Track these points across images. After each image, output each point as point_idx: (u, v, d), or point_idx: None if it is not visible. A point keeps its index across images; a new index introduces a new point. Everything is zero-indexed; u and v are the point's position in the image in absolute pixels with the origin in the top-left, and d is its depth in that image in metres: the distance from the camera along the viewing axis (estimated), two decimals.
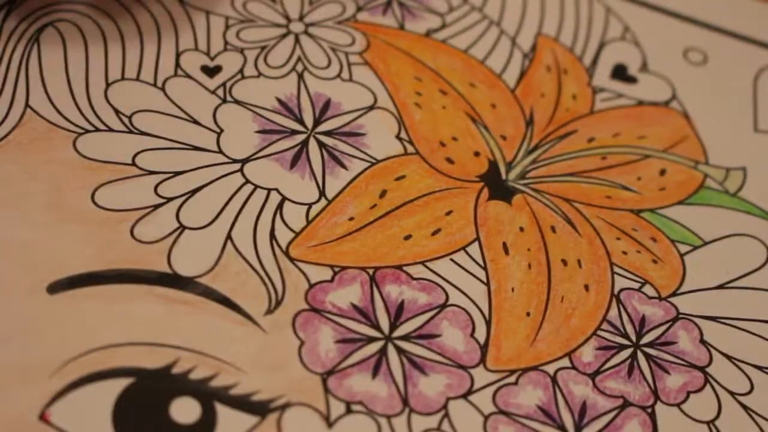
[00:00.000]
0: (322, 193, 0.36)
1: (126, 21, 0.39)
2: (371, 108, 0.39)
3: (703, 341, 0.35)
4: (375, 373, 0.32)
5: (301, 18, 0.42)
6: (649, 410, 0.33)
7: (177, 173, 0.35)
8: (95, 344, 0.30)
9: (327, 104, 0.39)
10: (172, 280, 0.32)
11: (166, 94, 0.37)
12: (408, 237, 0.35)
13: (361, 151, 0.38)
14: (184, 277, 0.33)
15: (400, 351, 0.33)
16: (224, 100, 0.38)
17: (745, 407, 0.34)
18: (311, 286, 0.33)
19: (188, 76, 0.38)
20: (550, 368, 0.33)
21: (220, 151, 0.36)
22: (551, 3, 0.45)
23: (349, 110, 0.39)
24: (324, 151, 0.37)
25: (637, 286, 0.36)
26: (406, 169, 0.37)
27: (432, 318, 0.34)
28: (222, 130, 0.37)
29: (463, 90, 0.41)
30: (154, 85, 0.37)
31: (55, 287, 0.31)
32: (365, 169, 0.37)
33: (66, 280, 0.32)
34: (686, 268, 0.37)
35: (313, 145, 0.37)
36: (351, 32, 0.42)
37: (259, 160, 0.36)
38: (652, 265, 0.37)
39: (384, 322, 0.33)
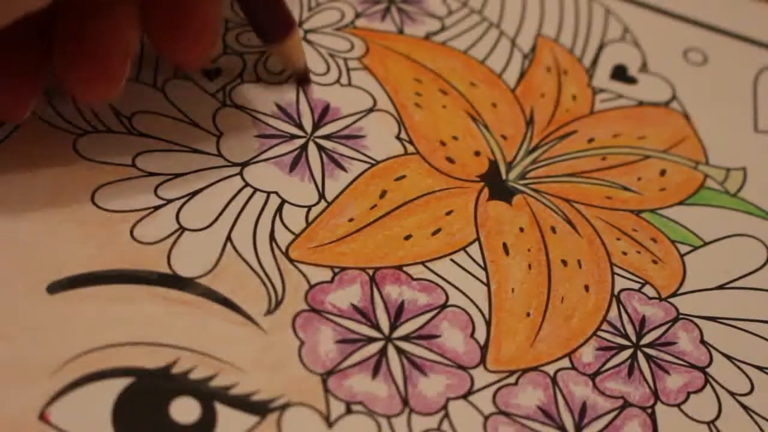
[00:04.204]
0: (321, 196, 0.36)
1: None
2: (371, 111, 0.39)
3: (703, 342, 0.35)
4: (375, 373, 0.32)
5: (300, 24, 0.42)
6: (650, 411, 0.33)
7: (177, 175, 0.35)
8: (95, 344, 0.30)
9: (326, 109, 0.39)
10: (172, 281, 0.32)
11: (166, 96, 0.37)
12: (408, 237, 0.35)
13: (361, 153, 0.37)
14: (184, 278, 0.33)
15: (400, 351, 0.33)
16: (224, 104, 0.38)
17: (745, 407, 0.34)
18: (311, 286, 0.33)
19: (188, 78, 0.38)
20: (550, 369, 0.33)
21: (220, 154, 0.36)
22: (550, 4, 0.45)
23: (349, 114, 0.39)
24: (323, 154, 0.37)
25: (637, 286, 0.36)
26: (406, 169, 0.37)
27: (432, 318, 0.34)
28: (221, 134, 0.37)
29: (464, 89, 0.41)
30: (154, 86, 0.38)
31: (55, 287, 0.31)
32: (365, 170, 0.37)
33: (66, 280, 0.32)
34: (686, 268, 0.37)
35: (312, 149, 0.37)
36: (350, 38, 0.42)
37: (258, 163, 0.36)
38: (652, 265, 0.37)
39: (384, 323, 0.33)
